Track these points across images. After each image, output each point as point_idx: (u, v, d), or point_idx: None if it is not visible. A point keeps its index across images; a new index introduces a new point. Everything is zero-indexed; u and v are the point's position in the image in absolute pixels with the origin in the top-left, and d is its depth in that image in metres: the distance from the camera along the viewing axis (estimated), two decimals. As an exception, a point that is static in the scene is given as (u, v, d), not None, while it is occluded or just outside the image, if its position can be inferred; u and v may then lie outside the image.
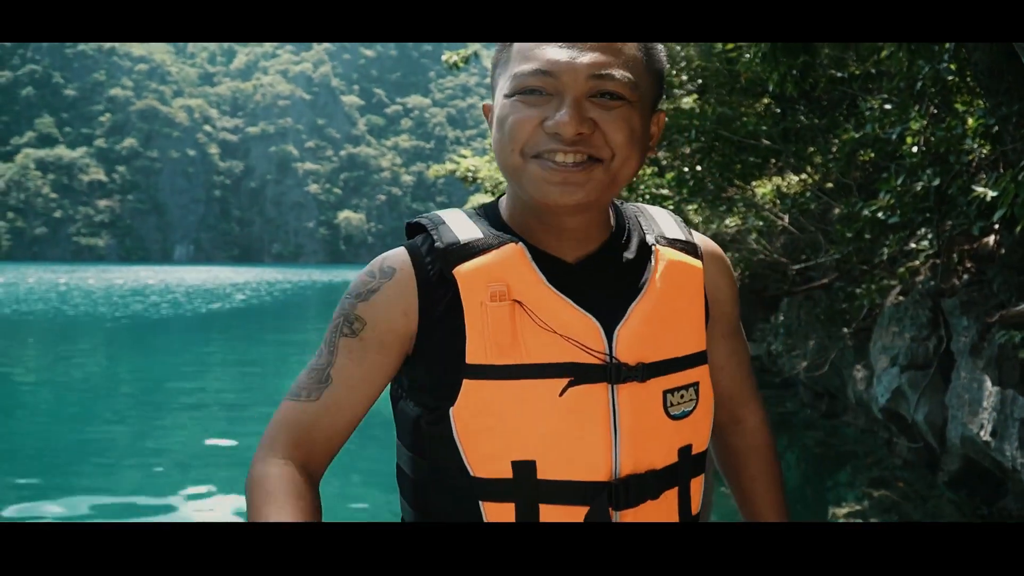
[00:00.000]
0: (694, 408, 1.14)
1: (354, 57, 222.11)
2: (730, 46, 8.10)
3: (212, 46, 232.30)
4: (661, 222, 1.23)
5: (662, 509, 1.12)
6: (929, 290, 6.80)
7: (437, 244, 1.11)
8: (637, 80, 1.06)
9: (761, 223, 8.89)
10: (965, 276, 6.63)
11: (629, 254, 1.17)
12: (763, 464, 1.36)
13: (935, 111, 6.08)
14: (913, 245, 6.84)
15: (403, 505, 1.20)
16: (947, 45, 4.93)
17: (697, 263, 1.20)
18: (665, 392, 1.11)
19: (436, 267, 1.10)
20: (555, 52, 1.03)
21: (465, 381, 1.06)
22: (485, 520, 1.06)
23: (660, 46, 1.13)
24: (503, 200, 1.20)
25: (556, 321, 1.07)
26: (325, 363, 1.13)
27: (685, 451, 1.14)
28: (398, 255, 1.14)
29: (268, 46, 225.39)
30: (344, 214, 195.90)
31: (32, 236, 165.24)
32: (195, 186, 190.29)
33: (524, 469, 1.05)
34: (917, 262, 7.01)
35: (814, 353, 8.72)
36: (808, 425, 9.50)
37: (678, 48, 8.73)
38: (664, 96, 8.26)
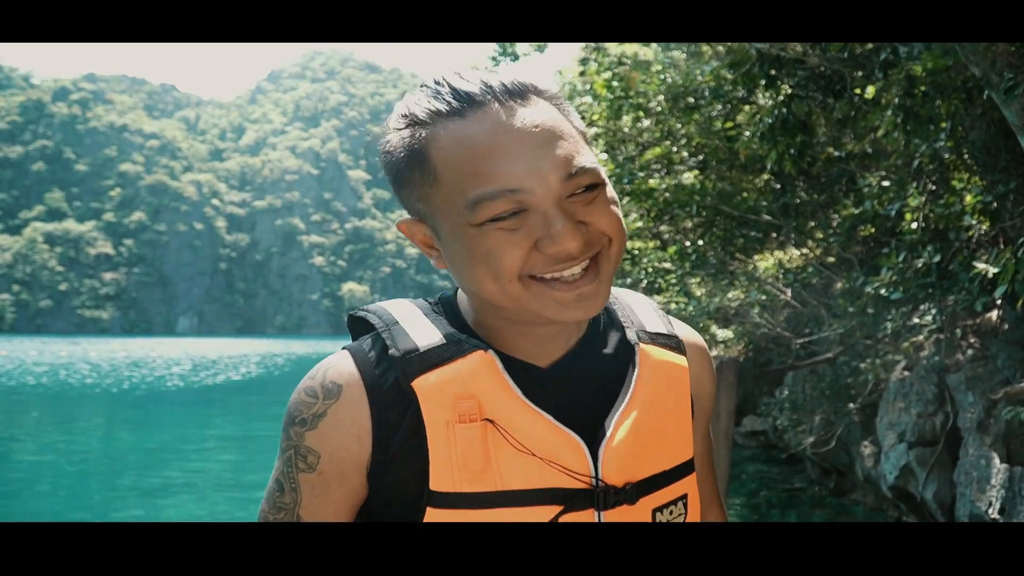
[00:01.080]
0: (683, 520, 1.03)
1: (361, 133, 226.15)
2: (729, 124, 8.25)
3: (223, 123, 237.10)
4: (640, 312, 1.10)
5: None
6: (934, 365, 6.76)
7: (392, 352, 0.96)
8: (590, 152, 0.95)
9: (764, 297, 8.90)
10: (969, 351, 6.60)
11: (607, 350, 1.04)
12: None
13: (933, 188, 6.15)
14: (916, 320, 6.83)
15: None
16: (944, 124, 5.02)
17: (683, 361, 1.08)
18: (654, 511, 1.00)
19: (390, 378, 0.96)
20: (512, 165, 0.90)
21: (429, 510, 0.93)
22: None
23: (564, 99, 1.01)
24: (461, 297, 1.06)
25: (534, 441, 0.93)
26: (291, 502, 0.99)
27: None
28: (342, 367, 0.98)
29: (277, 123, 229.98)
30: (348, 286, 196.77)
31: (36, 308, 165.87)
32: (201, 258, 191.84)
33: None
34: (921, 337, 6.99)
35: (820, 428, 8.62)
36: (816, 503, 9.33)
37: (679, 126, 8.88)
38: (665, 172, 8.30)
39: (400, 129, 0.99)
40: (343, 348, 1.02)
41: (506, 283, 0.92)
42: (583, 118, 10.45)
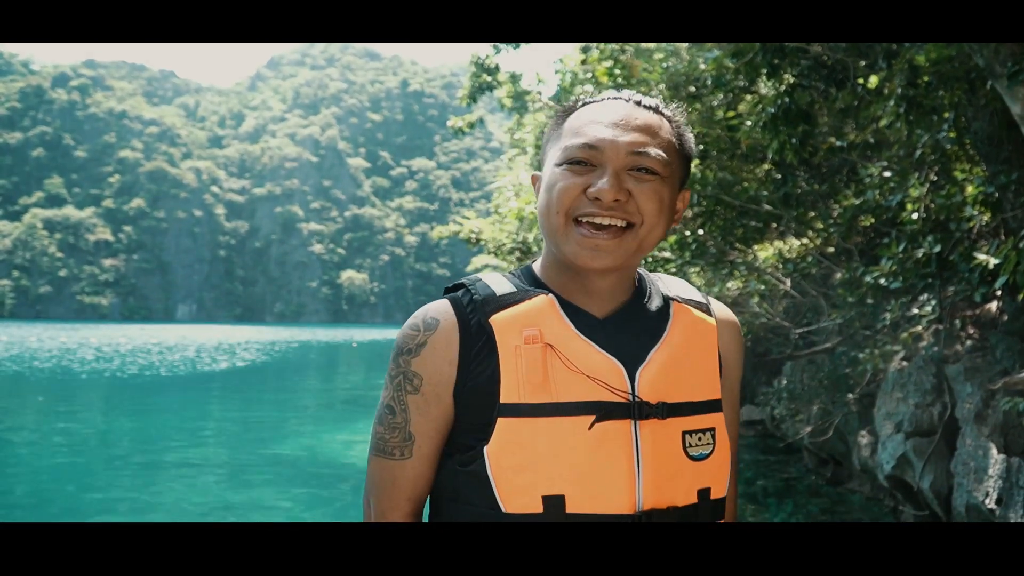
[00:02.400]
0: (711, 452, 1.22)
1: (361, 121, 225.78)
2: (731, 114, 8.24)
3: (222, 109, 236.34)
4: (678, 287, 1.34)
5: None
6: (932, 356, 6.77)
7: (476, 296, 1.23)
8: (669, 160, 1.22)
9: (763, 287, 8.90)
10: (968, 342, 6.61)
11: (651, 312, 1.28)
12: None
13: (934, 178, 6.14)
14: (916, 311, 6.84)
15: None
16: (946, 114, 5.01)
17: (711, 320, 1.31)
18: (684, 432, 1.20)
19: (475, 317, 1.21)
20: (602, 130, 1.20)
21: (499, 420, 1.15)
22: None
23: (689, 133, 1.29)
24: (539, 261, 1.32)
25: (584, 363, 1.17)
26: (402, 421, 1.23)
27: (704, 493, 1.21)
28: (440, 306, 1.25)
29: (277, 110, 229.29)
30: (347, 274, 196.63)
31: (36, 295, 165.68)
32: (200, 246, 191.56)
33: (554, 504, 1.13)
34: (920, 328, 7.00)
35: (818, 418, 8.64)
36: (813, 492, 9.36)
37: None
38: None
39: (567, 107, 1.30)
40: (444, 295, 1.29)
41: (554, 214, 1.20)
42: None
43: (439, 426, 1.23)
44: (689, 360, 1.24)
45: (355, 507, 8.70)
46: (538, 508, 1.12)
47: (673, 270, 9.44)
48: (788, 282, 8.87)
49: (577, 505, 1.13)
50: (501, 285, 1.25)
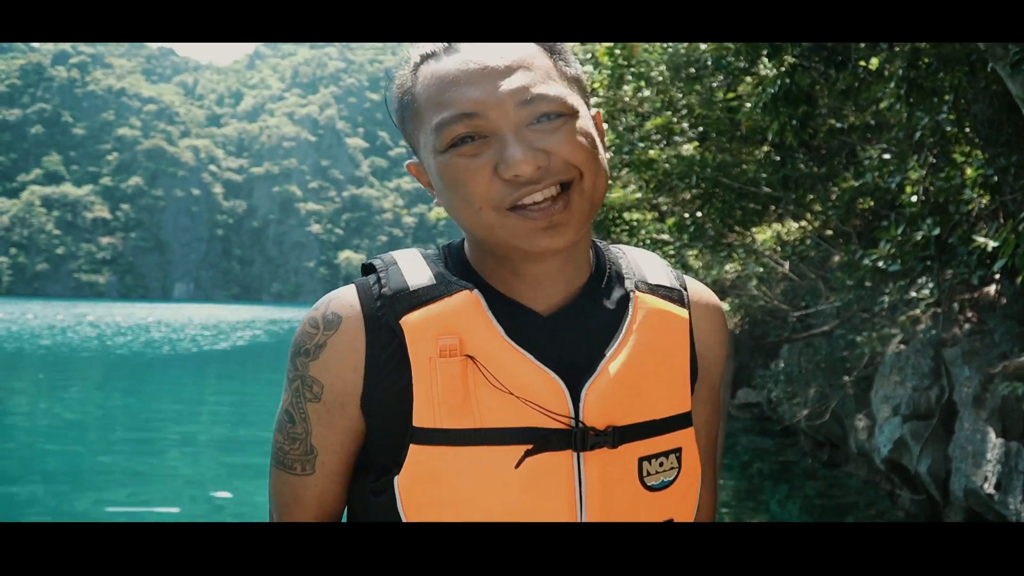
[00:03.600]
0: (676, 477, 1.00)
1: (360, 100, 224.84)
2: (731, 95, 8.18)
3: (221, 88, 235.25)
4: (645, 266, 1.09)
5: None
6: (931, 339, 6.77)
7: (384, 290, 0.99)
8: (563, 91, 0.96)
9: (761, 269, 8.88)
10: (966, 325, 6.60)
11: (608, 302, 1.03)
12: None
13: (934, 161, 6.11)
14: (914, 294, 6.83)
15: None
16: (947, 97, 4.97)
17: (682, 312, 1.05)
18: (641, 460, 0.97)
19: (385, 315, 0.98)
20: (471, 90, 0.93)
21: (412, 446, 0.94)
22: None
23: (563, 46, 1.02)
24: (466, 242, 1.07)
25: (513, 380, 0.94)
26: (302, 431, 1.02)
27: None
28: (345, 298, 1.01)
29: (276, 89, 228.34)
30: (345, 254, 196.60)
31: (33, 272, 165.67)
32: (198, 224, 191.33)
33: None
34: (918, 311, 6.99)
35: (815, 401, 8.65)
36: (809, 475, 9.39)
37: (679, 96, 8.81)
38: (665, 143, 8.25)
39: (400, 74, 1.03)
40: (353, 282, 1.04)
41: (477, 211, 0.94)
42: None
43: (346, 439, 1.02)
44: (651, 368, 1.00)
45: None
46: None
47: (672, 252, 9.42)
48: (787, 265, 8.85)
49: None
50: (419, 273, 1.00)
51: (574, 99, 0.96)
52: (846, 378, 8.13)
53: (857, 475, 8.82)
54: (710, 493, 1.17)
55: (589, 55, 10.39)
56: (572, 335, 1.00)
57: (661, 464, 0.99)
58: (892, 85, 5.15)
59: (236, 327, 50.27)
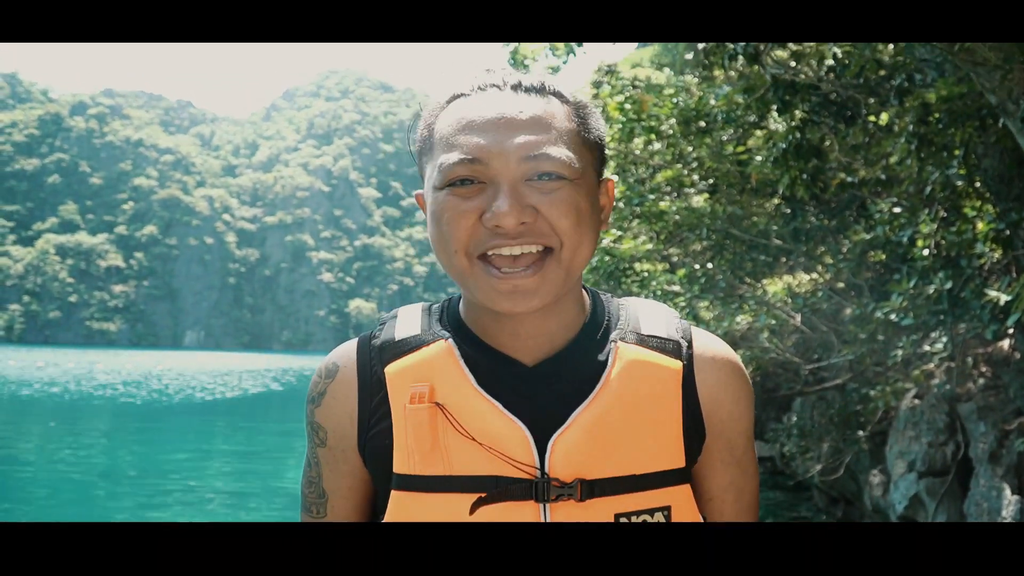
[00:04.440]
0: None
1: (373, 151, 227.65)
2: (740, 148, 8.26)
3: (237, 139, 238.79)
4: (644, 317, 1.06)
5: None
6: (945, 394, 6.70)
7: (375, 341, 1.05)
8: (575, 154, 0.97)
9: (773, 321, 8.85)
10: (981, 380, 6.54)
11: (596, 354, 1.02)
12: None
13: (944, 215, 6.13)
14: (927, 348, 6.78)
15: None
16: (956, 152, 5.00)
17: (673, 363, 1.02)
18: (618, 515, 0.95)
19: (375, 366, 1.03)
20: (481, 137, 0.94)
21: (393, 492, 0.98)
22: None
23: (595, 110, 1.05)
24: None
25: (479, 428, 0.95)
26: (316, 476, 1.07)
27: None
28: (345, 351, 1.07)
29: (291, 140, 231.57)
30: (356, 303, 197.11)
31: (46, 319, 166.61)
32: (210, 273, 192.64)
33: None
34: (932, 365, 6.94)
35: (828, 456, 8.54)
36: (823, 531, 9.23)
37: (690, 149, 8.89)
38: (676, 195, 8.27)
39: (430, 107, 1.05)
40: (359, 335, 1.10)
41: (453, 253, 0.96)
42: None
43: (353, 483, 1.06)
44: (630, 420, 0.97)
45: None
46: None
47: (682, 304, 9.42)
48: (799, 317, 8.82)
49: None
50: (411, 325, 1.05)
51: (581, 166, 0.97)
52: (860, 432, 8.04)
53: (872, 532, 8.67)
54: None
55: (600, 108, 10.52)
56: (554, 387, 0.99)
57: (644, 522, 0.96)
58: (903, 140, 5.19)
59: (245, 376, 50.22)
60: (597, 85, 10.59)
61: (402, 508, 0.97)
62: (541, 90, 1.00)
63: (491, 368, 1.00)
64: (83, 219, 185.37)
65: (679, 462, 1.00)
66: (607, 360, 1.01)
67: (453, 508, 0.95)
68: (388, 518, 0.98)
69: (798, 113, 5.96)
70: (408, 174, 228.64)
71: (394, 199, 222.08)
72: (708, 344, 1.08)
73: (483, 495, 0.94)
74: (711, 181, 8.97)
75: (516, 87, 0.99)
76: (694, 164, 9.01)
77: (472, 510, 0.94)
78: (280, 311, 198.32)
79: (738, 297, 9.19)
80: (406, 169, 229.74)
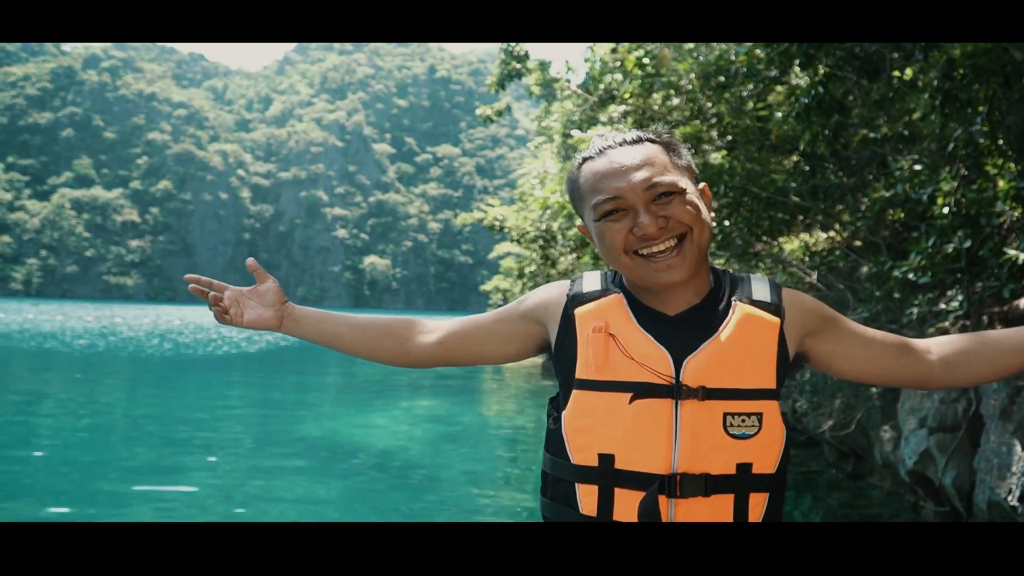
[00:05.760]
0: (756, 432, 1.40)
1: (387, 107, 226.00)
2: (760, 104, 8.20)
3: (250, 93, 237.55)
4: (754, 287, 1.52)
5: (714, 509, 1.37)
6: (959, 351, 6.71)
7: (570, 292, 1.54)
8: (675, 175, 1.45)
9: (788, 279, 8.86)
10: (996, 338, 6.54)
11: (719, 310, 1.48)
12: (969, 340, 1.54)
13: (965, 173, 6.10)
14: (943, 306, 6.80)
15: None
16: (981, 108, 4.97)
17: (773, 319, 1.47)
18: (726, 414, 1.39)
19: (569, 307, 1.52)
20: (615, 181, 1.43)
21: (573, 391, 1.45)
22: (579, 498, 1.41)
23: (677, 140, 1.51)
24: None
25: (636, 351, 1.42)
26: (490, 315, 1.65)
27: (744, 467, 1.39)
28: (564, 283, 1.58)
29: (304, 94, 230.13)
30: (370, 259, 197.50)
31: (63, 274, 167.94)
32: (225, 228, 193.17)
33: (606, 459, 1.39)
34: (947, 323, 6.96)
35: (840, 412, 8.61)
36: (833, 486, 9.34)
37: (708, 105, 8.84)
38: (694, 152, 8.28)
39: (576, 166, 1.55)
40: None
41: (619, 255, 1.45)
42: (613, 96, 10.39)
43: (511, 329, 1.60)
44: (740, 353, 1.42)
45: (370, 483, 8.81)
46: (594, 462, 1.40)
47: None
48: (815, 275, 8.83)
49: (623, 463, 1.38)
50: (592, 283, 1.55)
51: (683, 183, 1.45)
52: (872, 390, 8.10)
53: (881, 487, 8.77)
54: (919, 347, 1.55)
55: (619, 63, 10.43)
56: (688, 329, 1.45)
57: (743, 421, 1.39)
58: (926, 96, 5.15)
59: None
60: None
61: (581, 400, 1.43)
62: (638, 141, 1.47)
63: (646, 315, 1.47)
64: (98, 173, 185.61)
65: (771, 384, 1.43)
66: (728, 312, 1.46)
67: (615, 402, 1.40)
68: (568, 407, 1.44)
69: (821, 68, 5.91)
70: (422, 129, 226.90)
71: (408, 155, 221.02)
72: (792, 298, 1.53)
73: (635, 393, 1.39)
74: (729, 138, 8.92)
75: (623, 143, 1.47)
76: (713, 120, 8.96)
77: (631, 401, 1.38)
78: (295, 267, 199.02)
79: (753, 255, 9.20)
80: (420, 124, 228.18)
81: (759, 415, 1.40)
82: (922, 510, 7.48)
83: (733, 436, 1.38)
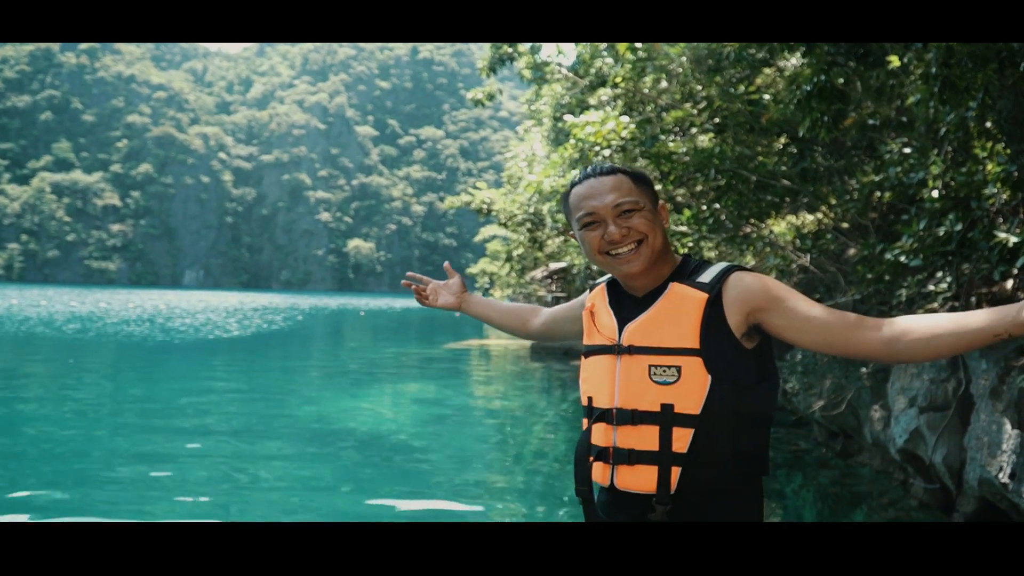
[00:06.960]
0: (676, 380, 1.81)
1: (369, 88, 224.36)
2: (752, 88, 8.24)
3: (230, 75, 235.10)
4: (705, 272, 1.90)
5: (643, 437, 1.82)
6: (948, 332, 6.81)
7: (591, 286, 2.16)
8: (637, 197, 1.92)
9: (779, 261, 8.95)
10: (984, 319, 6.64)
11: (668, 291, 1.94)
12: (917, 321, 1.65)
13: (953, 155, 6.17)
14: (932, 287, 6.90)
15: None
16: (976, 93, 5.03)
17: (700, 295, 1.85)
18: (650, 365, 1.84)
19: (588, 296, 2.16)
20: (592, 202, 1.92)
21: (582, 356, 2.03)
22: (584, 425, 1.96)
23: (639, 171, 1.97)
24: None
25: (601, 323, 1.98)
26: (565, 305, 2.36)
27: (667, 407, 1.81)
28: (602, 281, 2.14)
29: (285, 76, 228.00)
30: (354, 243, 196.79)
31: (44, 259, 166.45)
32: (207, 212, 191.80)
33: (589, 400, 1.96)
34: (935, 304, 7.06)
35: (830, 392, 8.73)
36: (823, 464, 9.48)
37: (699, 87, 8.87)
38: (683, 136, 8.25)
39: (567, 189, 2.05)
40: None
41: (595, 255, 1.95)
42: (603, 79, 10.39)
43: (568, 314, 2.32)
44: (665, 319, 1.86)
45: (359, 466, 8.85)
46: (585, 402, 1.96)
47: (689, 244, 9.51)
48: (807, 257, 8.92)
49: (595, 402, 1.93)
50: (601, 279, 2.13)
51: (643, 201, 1.93)
52: (863, 369, 8.21)
53: (871, 465, 8.91)
54: (867, 323, 1.73)
55: (610, 46, 10.43)
56: (643, 305, 1.94)
57: (664, 371, 1.83)
58: (923, 82, 5.20)
59: (249, 314, 50.47)
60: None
61: (583, 360, 2.01)
62: (613, 171, 1.95)
63: (622, 297, 2.00)
64: (77, 157, 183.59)
65: (693, 344, 1.81)
66: (664, 291, 1.92)
67: (593, 360, 1.95)
68: (581, 366, 2.03)
69: (822, 54, 5.94)
70: (405, 112, 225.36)
71: (391, 137, 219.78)
72: (732, 280, 1.86)
73: (597, 351, 1.95)
74: (717, 121, 8.96)
75: (600, 173, 1.94)
76: (703, 103, 8.99)
77: (589, 356, 1.98)
78: (278, 250, 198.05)
79: (743, 237, 9.27)
80: (403, 106, 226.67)
81: (678, 367, 1.81)
82: (911, 487, 7.61)
83: (656, 382, 1.82)
